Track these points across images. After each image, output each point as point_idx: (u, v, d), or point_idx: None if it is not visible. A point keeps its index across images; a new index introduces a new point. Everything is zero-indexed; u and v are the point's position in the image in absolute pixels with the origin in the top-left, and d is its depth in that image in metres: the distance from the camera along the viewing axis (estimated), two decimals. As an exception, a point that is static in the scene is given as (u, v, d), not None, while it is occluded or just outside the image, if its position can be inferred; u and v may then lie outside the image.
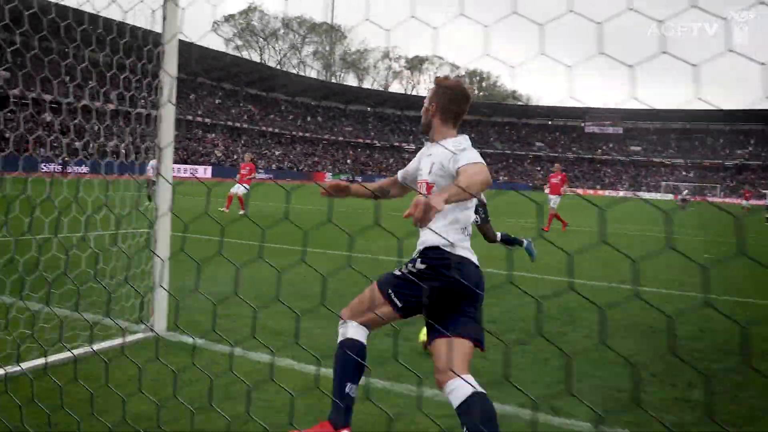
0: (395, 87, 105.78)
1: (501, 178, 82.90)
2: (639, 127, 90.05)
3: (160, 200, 4.53)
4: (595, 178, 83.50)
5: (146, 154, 5.01)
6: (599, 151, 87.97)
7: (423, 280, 2.77)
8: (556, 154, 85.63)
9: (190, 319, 5.04)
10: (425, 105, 3.06)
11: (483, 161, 2.72)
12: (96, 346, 4.12)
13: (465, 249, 2.85)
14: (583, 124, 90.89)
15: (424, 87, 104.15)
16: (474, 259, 2.87)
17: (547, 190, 17.20)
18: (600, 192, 75.65)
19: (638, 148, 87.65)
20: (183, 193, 22.44)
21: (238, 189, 16.51)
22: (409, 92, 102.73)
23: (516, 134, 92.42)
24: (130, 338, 4.43)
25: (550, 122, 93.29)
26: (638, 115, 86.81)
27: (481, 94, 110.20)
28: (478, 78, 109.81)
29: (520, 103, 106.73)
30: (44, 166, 38.37)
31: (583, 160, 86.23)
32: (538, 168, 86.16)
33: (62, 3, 3.61)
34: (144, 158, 4.99)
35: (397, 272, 2.89)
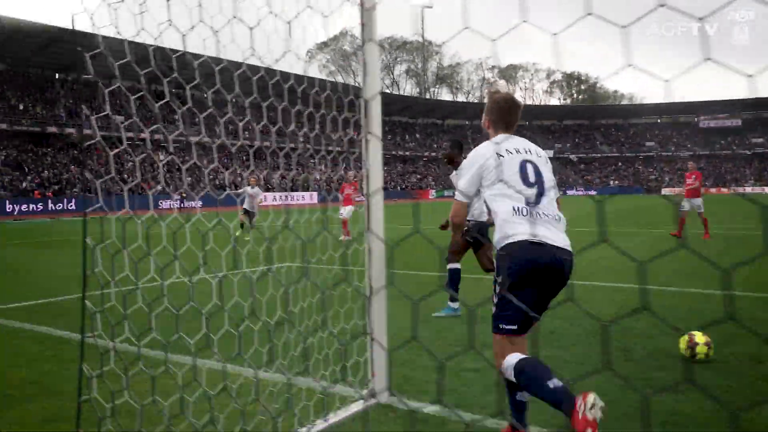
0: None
1: (612, 182, 78.95)
2: (760, 116, 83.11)
3: (372, 238, 3.82)
4: (716, 176, 77.61)
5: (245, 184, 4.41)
6: (717, 146, 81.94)
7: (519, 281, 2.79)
8: (669, 153, 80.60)
9: (405, 376, 4.29)
10: (482, 120, 3.21)
11: (460, 188, 3.05)
12: (313, 427, 3.44)
13: (510, 228, 2.83)
14: (696, 119, 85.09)
15: (520, 95, 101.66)
16: (520, 235, 2.78)
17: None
18: (723, 190, 70.08)
19: (761, 140, 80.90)
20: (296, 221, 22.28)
21: (346, 211, 15.19)
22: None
23: (623, 135, 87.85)
24: (350, 410, 3.70)
25: (659, 120, 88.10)
26: (757, 104, 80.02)
27: (580, 97, 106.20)
28: (576, 81, 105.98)
29: (624, 102, 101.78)
30: (161, 202, 40.10)
31: (701, 158, 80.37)
32: (651, 169, 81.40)
33: (177, 48, 3.07)
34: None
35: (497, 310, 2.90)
